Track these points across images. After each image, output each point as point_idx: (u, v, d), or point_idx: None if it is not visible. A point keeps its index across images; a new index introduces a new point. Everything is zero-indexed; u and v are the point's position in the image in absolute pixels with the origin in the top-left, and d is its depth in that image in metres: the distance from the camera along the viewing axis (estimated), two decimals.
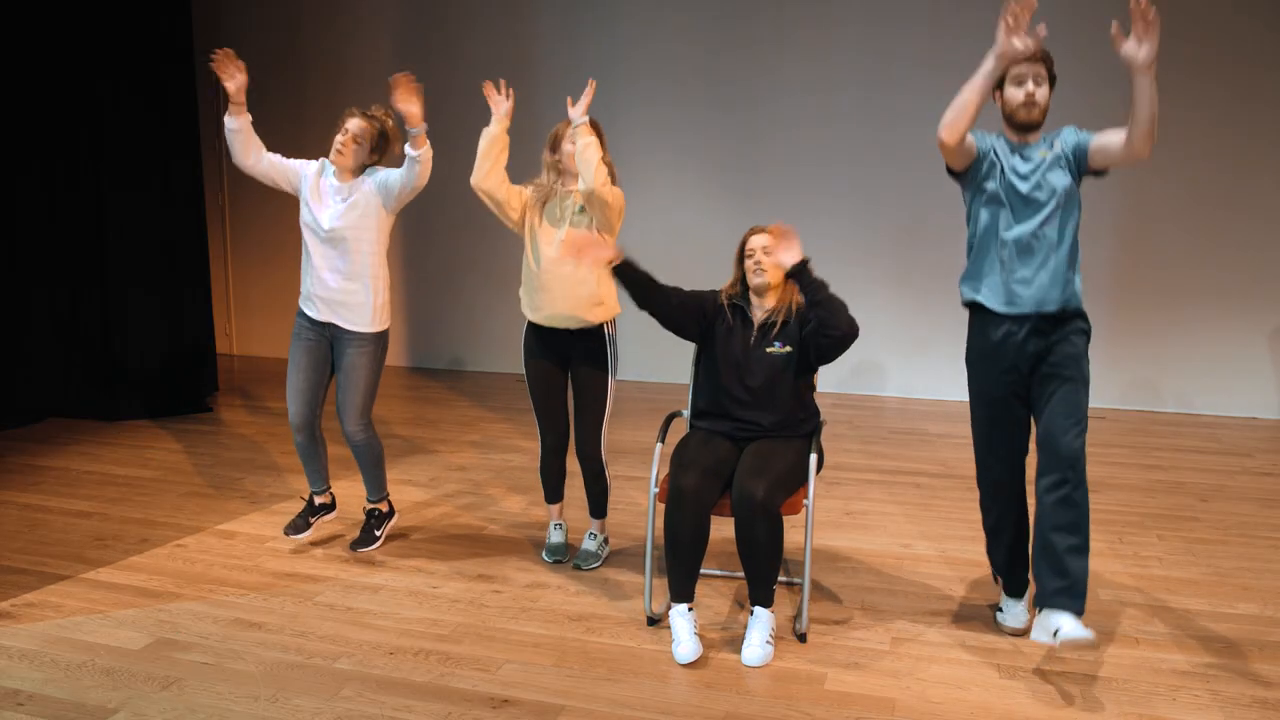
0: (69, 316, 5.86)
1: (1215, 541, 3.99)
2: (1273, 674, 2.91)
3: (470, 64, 6.95)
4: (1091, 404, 3.60)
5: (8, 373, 5.56)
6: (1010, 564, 3.17)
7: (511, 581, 3.55)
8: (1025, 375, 2.96)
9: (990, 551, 3.22)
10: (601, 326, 3.53)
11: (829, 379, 6.59)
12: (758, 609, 3.02)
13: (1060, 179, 2.87)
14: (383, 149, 3.63)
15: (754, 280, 3.20)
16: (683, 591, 3.05)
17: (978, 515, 4.23)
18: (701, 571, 3.59)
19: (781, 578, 3.54)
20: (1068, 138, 2.91)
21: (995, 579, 3.26)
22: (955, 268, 5.30)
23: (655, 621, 3.22)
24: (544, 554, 3.76)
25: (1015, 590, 3.19)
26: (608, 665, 2.95)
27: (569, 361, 3.60)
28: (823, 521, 4.18)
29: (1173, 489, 4.67)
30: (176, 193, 6.11)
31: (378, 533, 3.84)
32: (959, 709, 2.71)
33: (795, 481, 3.08)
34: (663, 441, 3.30)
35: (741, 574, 3.43)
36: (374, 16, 7.13)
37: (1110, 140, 2.81)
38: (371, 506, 3.87)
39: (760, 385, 3.18)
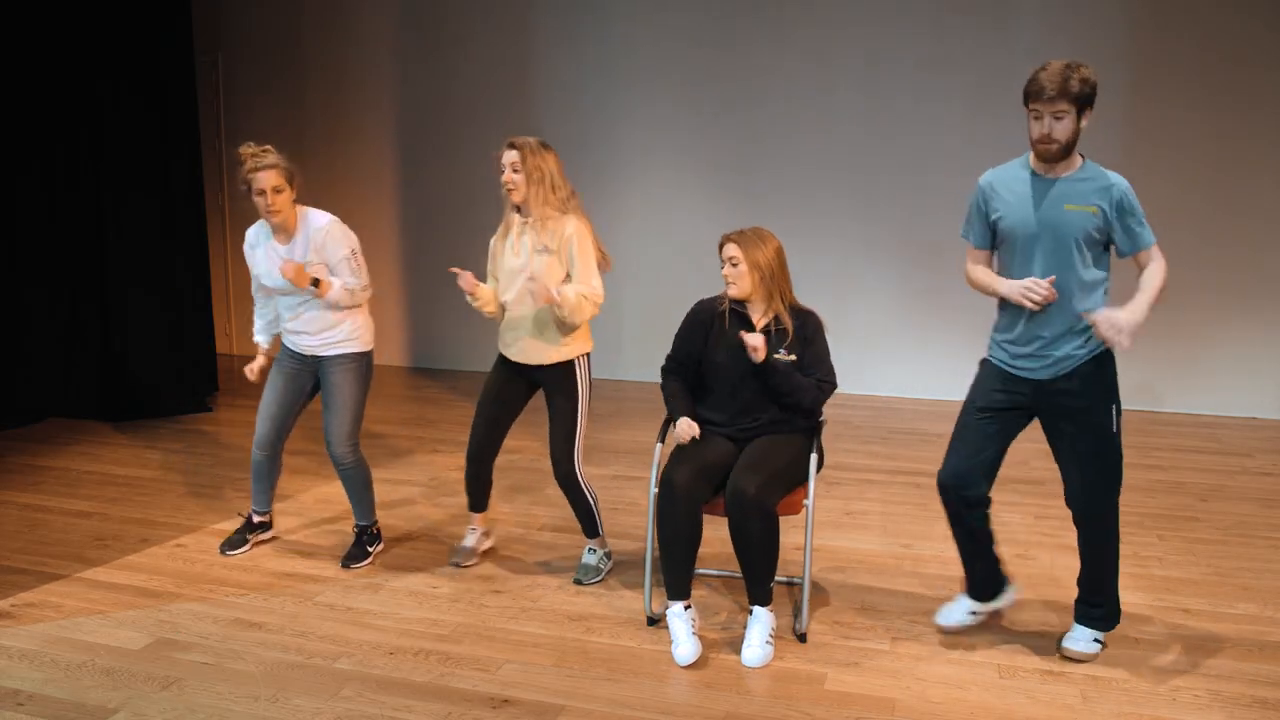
0: (69, 316, 5.86)
1: (1215, 541, 3.99)
2: (1273, 674, 2.91)
3: (471, 65, 6.95)
4: None
5: (8, 373, 5.56)
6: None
7: (511, 581, 3.55)
8: None
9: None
10: (571, 361, 3.46)
11: None
12: (756, 608, 3.02)
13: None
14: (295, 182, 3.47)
15: (727, 290, 3.18)
16: (678, 589, 3.04)
17: None
18: (701, 571, 3.60)
19: (781, 577, 3.54)
20: (1116, 201, 2.87)
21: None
22: (954, 268, 5.31)
23: (655, 621, 3.22)
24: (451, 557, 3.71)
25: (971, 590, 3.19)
26: (607, 665, 2.95)
27: (536, 388, 3.55)
28: (823, 521, 4.18)
29: (1173, 489, 4.67)
30: (176, 193, 6.10)
31: (370, 549, 3.72)
32: (959, 709, 2.71)
33: (792, 480, 3.07)
34: (662, 442, 3.29)
35: (741, 574, 3.42)
36: (374, 17, 7.12)
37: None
38: (363, 526, 3.76)
39: (763, 388, 3.16)
